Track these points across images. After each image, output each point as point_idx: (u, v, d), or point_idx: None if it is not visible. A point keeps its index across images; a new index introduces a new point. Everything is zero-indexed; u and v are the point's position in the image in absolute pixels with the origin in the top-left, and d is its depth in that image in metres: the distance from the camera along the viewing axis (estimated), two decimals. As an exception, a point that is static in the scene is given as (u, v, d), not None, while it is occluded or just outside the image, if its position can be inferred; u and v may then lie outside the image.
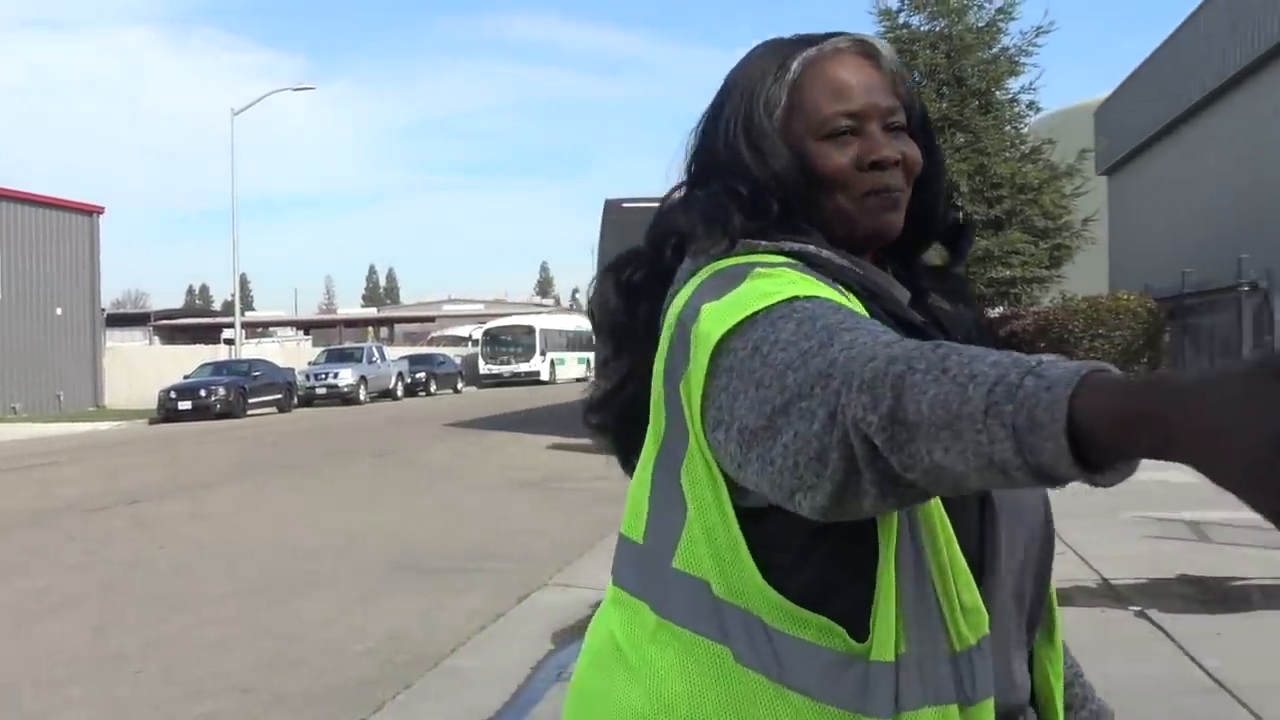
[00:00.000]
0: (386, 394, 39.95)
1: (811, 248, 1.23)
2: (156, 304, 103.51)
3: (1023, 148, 20.09)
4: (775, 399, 0.98)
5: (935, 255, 1.46)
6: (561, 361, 54.24)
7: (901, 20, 20.30)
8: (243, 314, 47.24)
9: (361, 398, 37.52)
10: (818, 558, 1.12)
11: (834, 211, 1.28)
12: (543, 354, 53.43)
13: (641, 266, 1.33)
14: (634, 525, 1.29)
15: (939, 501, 1.08)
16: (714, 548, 1.13)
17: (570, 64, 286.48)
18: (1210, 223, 20.85)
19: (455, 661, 6.25)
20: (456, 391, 46.00)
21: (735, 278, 1.15)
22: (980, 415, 0.82)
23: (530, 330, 54.96)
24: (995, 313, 20.99)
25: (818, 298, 1.07)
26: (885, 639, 1.06)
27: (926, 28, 20.03)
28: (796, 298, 1.07)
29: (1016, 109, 20.29)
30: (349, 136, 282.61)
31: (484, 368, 52.87)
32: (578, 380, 48.68)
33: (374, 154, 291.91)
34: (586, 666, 1.33)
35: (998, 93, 19.93)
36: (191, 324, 76.05)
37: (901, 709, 1.05)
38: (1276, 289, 17.62)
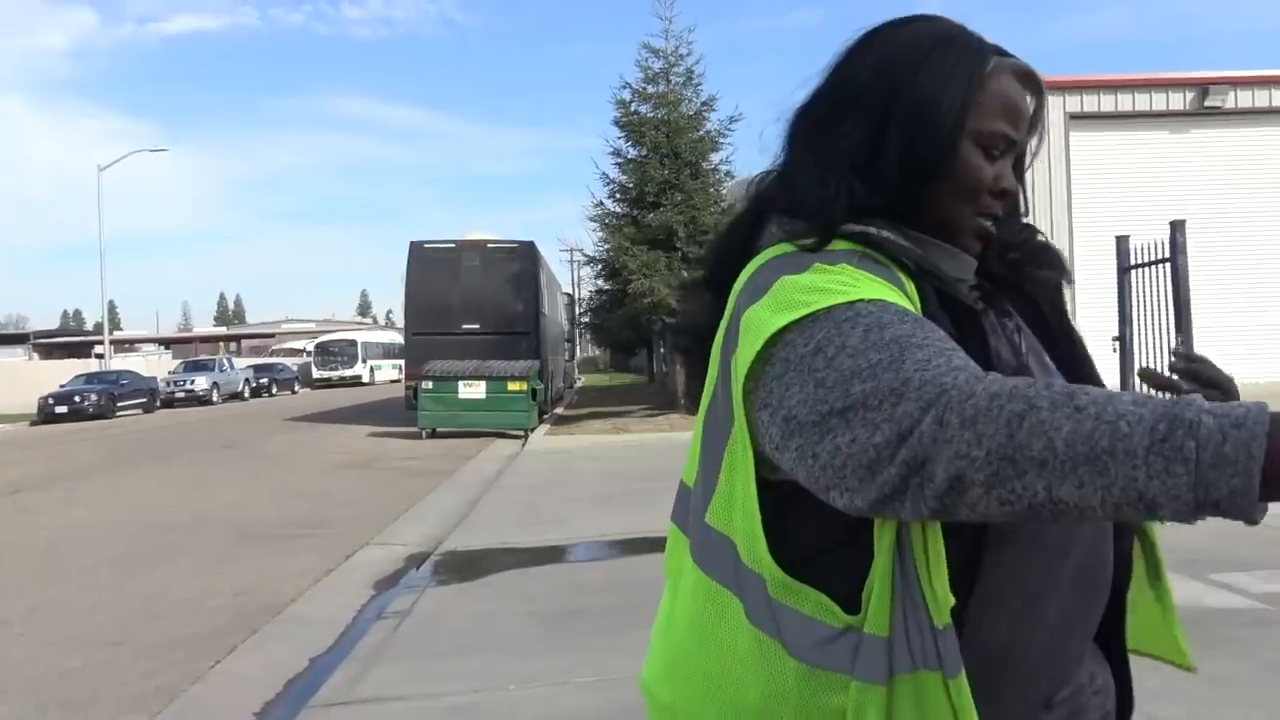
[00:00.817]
0: (236, 396, 37.96)
1: (873, 230, 0.99)
2: (35, 326, 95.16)
3: (723, 204, 20.70)
4: (835, 401, 0.82)
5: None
6: (379, 367, 52.93)
7: (633, 108, 20.60)
8: (111, 333, 44.06)
9: (215, 400, 35.49)
10: (818, 535, 0.94)
11: (947, 212, 1.03)
12: (364, 361, 52.07)
13: (742, 227, 1.09)
14: (689, 470, 1.10)
15: None
16: (740, 511, 0.96)
17: (380, 134, 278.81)
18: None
19: (294, 610, 6.00)
20: (294, 393, 44.07)
21: (795, 268, 0.94)
22: (1141, 452, 0.69)
23: (353, 343, 53.54)
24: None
25: (882, 301, 0.88)
26: (880, 613, 0.88)
27: (652, 114, 20.40)
28: (859, 300, 0.88)
29: (718, 176, 20.87)
30: (197, 189, 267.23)
31: (316, 373, 50.97)
32: (392, 382, 47.55)
33: (221, 203, 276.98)
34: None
35: (704, 164, 20.46)
36: (66, 342, 70.18)
37: (896, 673, 0.87)
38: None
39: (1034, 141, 1.09)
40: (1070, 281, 1.18)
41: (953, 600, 0.87)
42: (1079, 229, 17.81)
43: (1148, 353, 8.06)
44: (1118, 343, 8.47)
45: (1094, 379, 1.08)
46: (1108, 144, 18.48)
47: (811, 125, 1.07)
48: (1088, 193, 18.06)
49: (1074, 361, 1.09)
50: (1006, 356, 1.00)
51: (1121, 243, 8.51)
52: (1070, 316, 1.15)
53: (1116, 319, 8.44)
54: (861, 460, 0.79)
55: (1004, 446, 0.73)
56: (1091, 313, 16.52)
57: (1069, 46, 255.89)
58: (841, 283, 0.90)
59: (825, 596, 0.92)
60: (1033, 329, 1.10)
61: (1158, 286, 7.93)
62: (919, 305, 0.93)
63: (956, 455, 0.74)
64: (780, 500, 0.94)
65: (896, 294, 0.91)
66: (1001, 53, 1.05)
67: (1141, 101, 18.54)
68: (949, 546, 0.88)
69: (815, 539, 0.94)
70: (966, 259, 1.06)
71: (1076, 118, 18.35)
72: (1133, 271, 8.34)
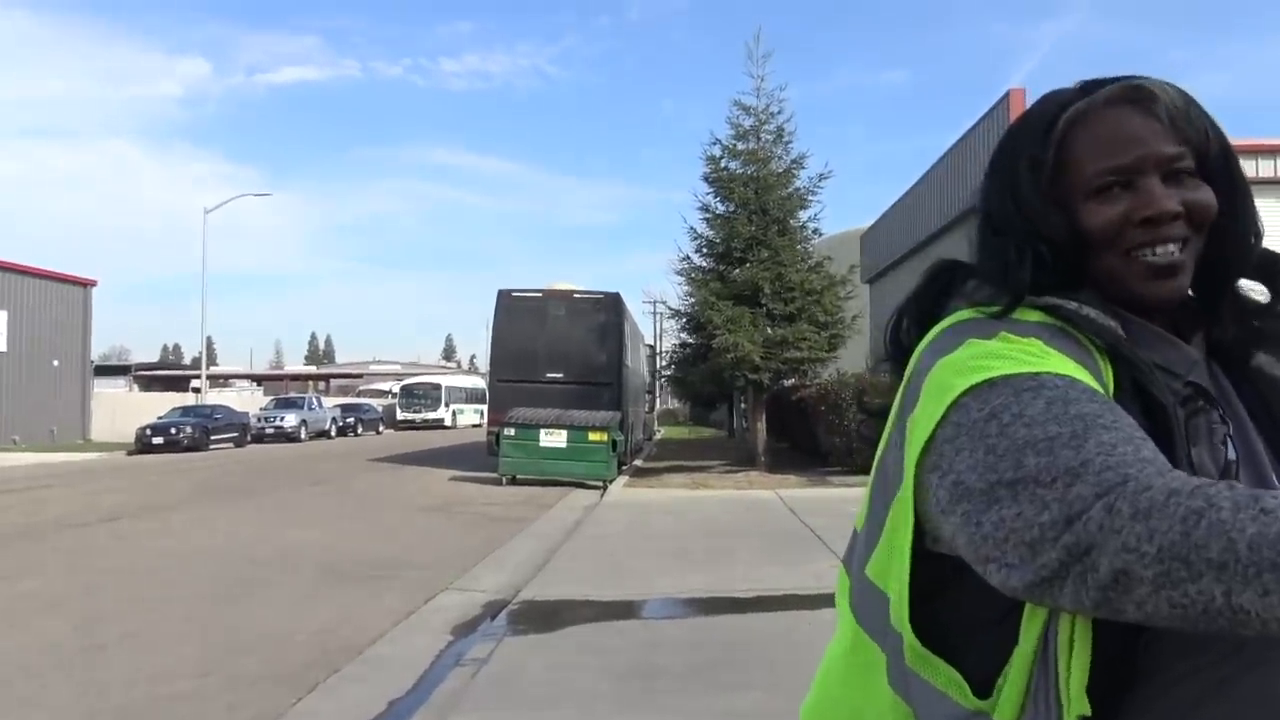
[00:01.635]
0: (323, 434, 38.86)
1: (1071, 305, 0.94)
2: (136, 358, 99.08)
3: (809, 261, 20.64)
4: (1006, 471, 0.78)
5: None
6: (462, 411, 53.63)
7: (723, 164, 20.76)
8: (208, 368, 45.60)
9: (302, 437, 36.41)
10: (965, 611, 0.90)
11: (1106, 272, 0.97)
12: (447, 405, 52.80)
13: (922, 301, 1.06)
14: (860, 516, 1.07)
15: None
16: (895, 570, 0.93)
17: (470, 184, 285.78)
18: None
19: (374, 650, 6.07)
20: (378, 433, 44.96)
21: (981, 333, 0.91)
22: None
23: (437, 387, 54.37)
24: (788, 383, 21.42)
25: (1070, 377, 0.83)
26: (1010, 703, 0.84)
27: (741, 171, 20.53)
28: (1043, 373, 0.83)
29: (805, 233, 20.86)
30: (294, 232, 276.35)
31: (400, 415, 51.89)
32: (474, 426, 48.11)
33: (316, 246, 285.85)
34: None
35: (792, 221, 20.48)
36: (165, 375, 72.87)
37: None
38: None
39: (1194, 137, 0.98)
40: None
41: (1086, 709, 0.80)
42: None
43: None
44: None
45: None
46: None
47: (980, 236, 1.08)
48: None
49: None
50: (1206, 464, 0.90)
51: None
52: None
53: None
54: (1024, 537, 0.75)
55: (1177, 545, 0.67)
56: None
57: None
58: (1029, 353, 0.86)
59: (958, 674, 0.89)
60: (1260, 426, 0.98)
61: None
62: (1112, 390, 0.87)
63: (1124, 548, 0.70)
64: (937, 573, 0.91)
65: (1087, 375, 0.86)
66: (1089, 91, 1.00)
67: (1246, 167, 18.01)
68: (1104, 646, 0.81)
69: (964, 616, 0.90)
70: (1186, 350, 0.98)
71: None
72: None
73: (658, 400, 45.51)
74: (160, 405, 36.93)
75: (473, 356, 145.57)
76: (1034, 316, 0.94)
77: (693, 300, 20.77)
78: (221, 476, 20.14)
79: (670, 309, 23.55)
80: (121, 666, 5.73)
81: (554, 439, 17.25)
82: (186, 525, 12.23)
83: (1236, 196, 1.00)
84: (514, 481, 17.42)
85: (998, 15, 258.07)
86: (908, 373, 0.97)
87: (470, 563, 9.11)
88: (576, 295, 21.51)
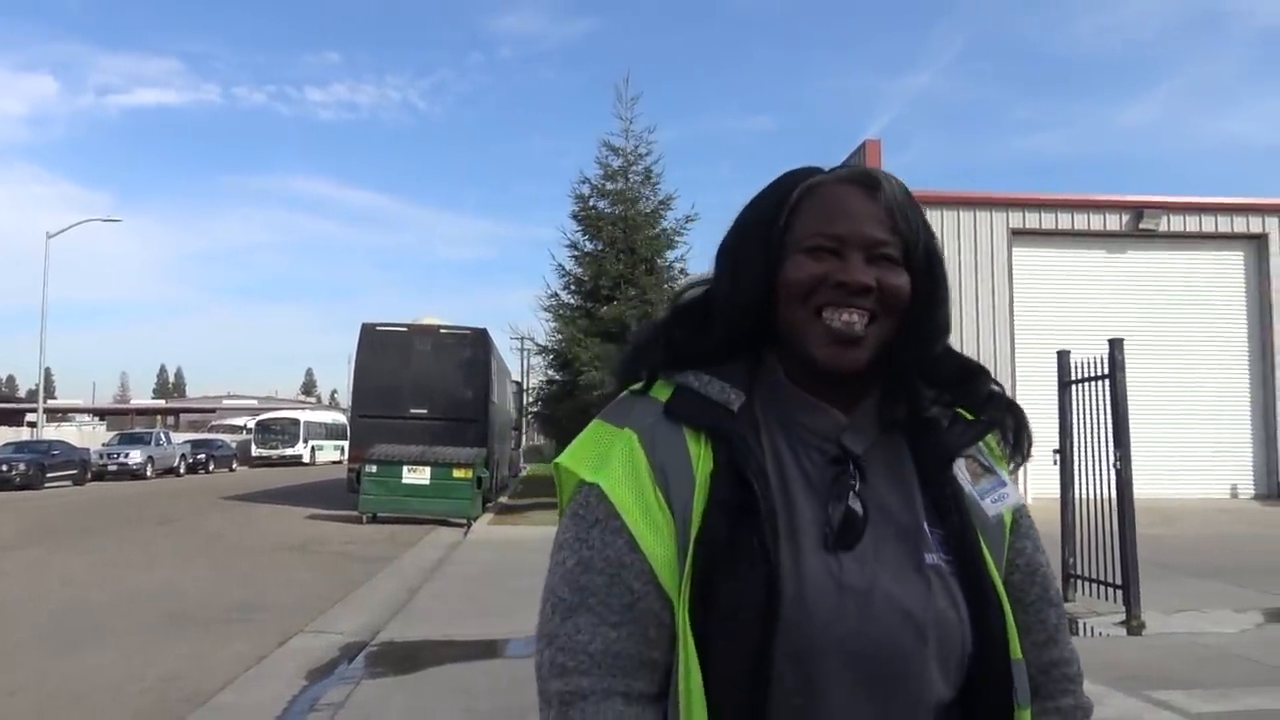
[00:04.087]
0: (171, 471, 36.91)
1: (694, 382, 1.04)
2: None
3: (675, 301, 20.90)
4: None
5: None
6: (321, 447, 51.92)
7: (591, 203, 20.95)
8: (45, 401, 42.94)
9: (149, 474, 34.48)
10: None
11: (792, 328, 1.03)
12: (305, 441, 51.07)
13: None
14: None
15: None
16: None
17: (336, 215, 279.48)
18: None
19: (223, 698, 5.79)
20: (232, 470, 43.04)
21: (611, 416, 1.06)
22: None
23: (296, 422, 52.59)
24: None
25: (599, 523, 0.99)
26: None
27: (610, 210, 20.76)
28: (594, 487, 1.00)
29: (673, 272, 21.17)
30: (146, 260, 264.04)
31: (256, 451, 49.86)
32: (334, 463, 46.68)
33: (170, 275, 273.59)
34: None
35: (660, 260, 20.79)
36: (-3, 408, 68.34)
37: None
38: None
39: (906, 232, 1.04)
40: (1024, 455, 1.13)
41: None
42: (1020, 341, 18.30)
43: (1087, 466, 8.24)
44: (1058, 455, 8.66)
45: (969, 548, 1.03)
46: (1049, 260, 19.14)
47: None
48: (1030, 306, 18.61)
49: (956, 529, 1.03)
50: (837, 516, 0.99)
51: (1062, 358, 8.76)
52: (958, 482, 1.07)
53: (1057, 432, 8.63)
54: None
55: None
56: (1033, 424, 16.97)
57: (1013, 163, 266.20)
58: (597, 455, 1.02)
59: None
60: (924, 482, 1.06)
61: (1098, 401, 8.15)
62: (706, 473, 0.98)
63: None
64: None
65: (640, 497, 0.99)
66: (825, 171, 1.10)
67: (1080, 221, 19.28)
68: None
69: None
70: (834, 415, 1.04)
71: (1019, 233, 19.01)
72: (1073, 386, 8.57)
73: (524, 437, 45.14)
74: (-10, 441, 34.51)
75: (334, 391, 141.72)
76: (664, 394, 1.06)
77: (560, 337, 20.79)
78: (58, 516, 18.92)
79: (538, 345, 23.56)
80: (-62, 723, 5.30)
81: (417, 475, 16.90)
82: (18, 568, 11.42)
83: (934, 290, 1.06)
84: (375, 519, 16.96)
85: (857, 69, 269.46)
86: None
87: (327, 604, 8.81)
88: (443, 330, 21.22)
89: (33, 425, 39.98)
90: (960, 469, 1.07)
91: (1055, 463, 8.69)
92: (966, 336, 18.43)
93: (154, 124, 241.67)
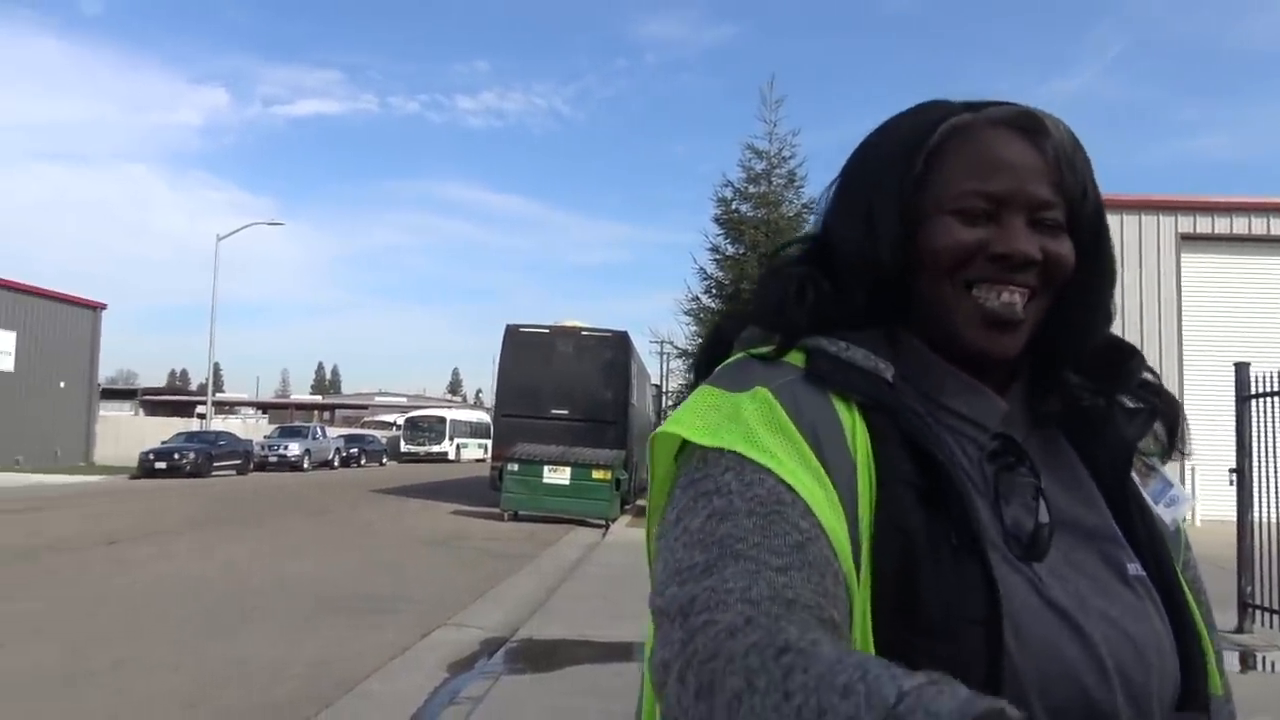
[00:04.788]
0: (326, 464, 38.71)
1: (834, 346, 0.84)
2: (144, 382, 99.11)
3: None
4: (656, 597, 0.72)
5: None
6: (466, 445, 53.48)
7: (734, 207, 20.84)
8: (214, 395, 45.61)
9: (306, 466, 36.28)
10: None
11: (935, 304, 0.85)
12: (451, 439, 52.68)
13: (707, 360, 0.94)
14: None
15: None
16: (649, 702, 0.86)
17: (482, 219, 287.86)
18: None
19: (367, 686, 5.94)
20: (381, 465, 44.79)
21: (729, 381, 0.82)
22: None
23: (442, 420, 54.28)
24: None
25: (740, 474, 0.74)
26: None
27: (753, 214, 20.61)
28: (727, 452, 0.75)
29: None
30: (305, 262, 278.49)
31: (404, 447, 51.75)
32: (477, 460, 47.97)
33: (327, 277, 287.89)
34: None
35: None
36: (171, 400, 73.01)
37: None
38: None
39: (1072, 189, 0.86)
40: (1180, 452, 0.95)
41: None
42: (1189, 353, 17.21)
43: (1268, 485, 7.63)
44: (1235, 474, 8.05)
45: (1164, 558, 0.86)
46: (1220, 267, 17.94)
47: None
48: (1200, 316, 17.50)
49: (1144, 537, 0.87)
50: (1023, 522, 0.81)
51: (1241, 370, 8.14)
52: (1133, 483, 0.91)
53: (1235, 449, 8.02)
54: (653, 661, 0.69)
55: None
56: (1204, 443, 15.96)
57: (1180, 165, 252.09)
58: (719, 418, 0.78)
59: None
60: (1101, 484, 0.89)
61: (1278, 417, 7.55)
62: (868, 446, 0.78)
63: (671, 709, 0.63)
64: None
65: (792, 447, 0.76)
66: (977, 106, 0.89)
67: (1258, 225, 18.02)
68: None
69: None
70: (993, 400, 0.86)
71: (1188, 238, 17.90)
72: (1253, 401, 7.96)
73: (662, 440, 45.34)
74: (165, 430, 36.88)
75: (478, 391, 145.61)
76: (797, 359, 0.84)
77: (700, 341, 20.72)
78: (222, 504, 20.02)
79: (677, 349, 23.56)
80: (109, 694, 5.61)
81: (557, 476, 17.12)
82: (184, 551, 12.11)
83: (1100, 264, 0.88)
84: (516, 517, 17.27)
85: (1006, 73, 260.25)
86: None
87: (469, 599, 8.98)
88: (584, 332, 21.47)
89: (202, 417, 42.49)
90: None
91: (1232, 483, 8.07)
92: (1129, 347, 17.47)
93: (314, 132, 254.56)
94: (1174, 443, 0.95)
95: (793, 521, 0.71)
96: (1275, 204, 18.20)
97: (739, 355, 0.87)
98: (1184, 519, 0.95)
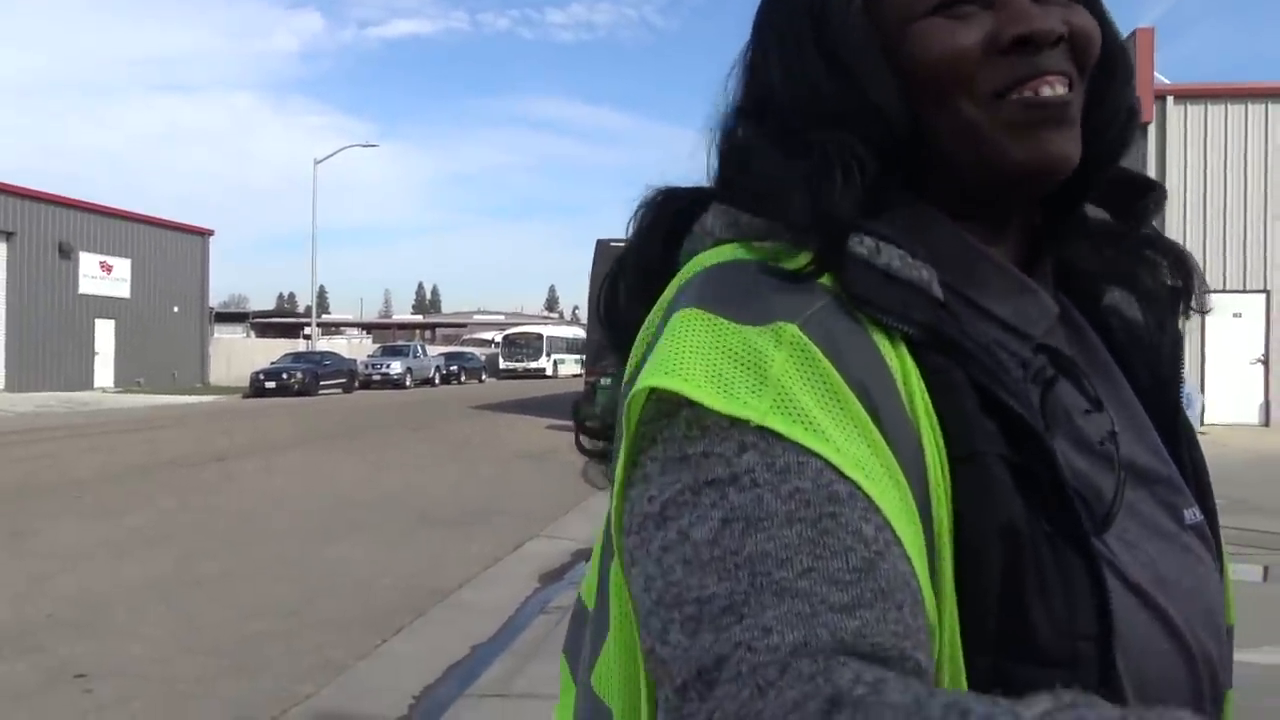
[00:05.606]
0: (427, 381, 39.66)
1: (861, 247, 0.59)
2: (254, 306, 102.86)
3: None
4: (650, 618, 0.51)
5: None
6: (563, 361, 54.03)
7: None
8: (319, 316, 46.98)
9: (408, 384, 37.25)
10: None
11: (955, 136, 0.63)
12: (548, 355, 53.26)
13: (643, 256, 0.70)
14: (589, 588, 0.75)
15: None
16: (625, 674, 0.63)
17: (575, 134, 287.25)
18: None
19: (460, 595, 6.08)
20: (481, 381, 45.69)
21: (741, 308, 0.56)
22: None
23: (539, 337, 54.86)
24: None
25: (784, 464, 0.51)
26: None
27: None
28: (751, 443, 0.52)
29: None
30: (403, 183, 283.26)
31: (503, 364, 52.61)
32: (574, 376, 48.54)
33: (424, 197, 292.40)
34: None
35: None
36: (280, 322, 75.53)
37: None
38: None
39: None
40: (1200, 311, 0.74)
41: None
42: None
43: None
44: (1262, 364, 7.56)
45: (1208, 491, 0.70)
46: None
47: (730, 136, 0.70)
48: None
49: (1190, 467, 0.69)
50: (1071, 457, 0.60)
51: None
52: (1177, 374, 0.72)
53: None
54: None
55: None
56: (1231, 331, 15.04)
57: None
58: (736, 370, 0.53)
59: None
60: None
61: None
62: (928, 404, 0.56)
63: None
64: None
65: (850, 422, 0.53)
66: None
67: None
68: None
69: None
70: (1043, 299, 0.66)
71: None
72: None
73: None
74: (274, 351, 38.24)
75: (575, 307, 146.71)
76: (813, 269, 0.59)
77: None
78: (328, 421, 20.69)
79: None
80: (217, 603, 5.86)
81: (650, 390, 17.15)
82: (291, 467, 12.56)
83: (1112, 50, 0.66)
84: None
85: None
86: (634, 360, 0.63)
87: (561, 511, 9.09)
88: (675, 245, 21.27)
89: (308, 338, 43.84)
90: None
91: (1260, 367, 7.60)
92: (1252, 246, 16.48)
93: (408, 53, 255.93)
94: (1192, 302, 0.74)
95: (855, 529, 0.50)
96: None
97: (742, 251, 0.62)
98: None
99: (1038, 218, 0.69)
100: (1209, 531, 0.67)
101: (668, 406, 0.54)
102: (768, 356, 0.53)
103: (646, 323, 0.63)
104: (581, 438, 0.71)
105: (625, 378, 0.64)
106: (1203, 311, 0.74)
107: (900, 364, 0.56)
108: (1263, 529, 7.82)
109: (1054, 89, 0.61)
